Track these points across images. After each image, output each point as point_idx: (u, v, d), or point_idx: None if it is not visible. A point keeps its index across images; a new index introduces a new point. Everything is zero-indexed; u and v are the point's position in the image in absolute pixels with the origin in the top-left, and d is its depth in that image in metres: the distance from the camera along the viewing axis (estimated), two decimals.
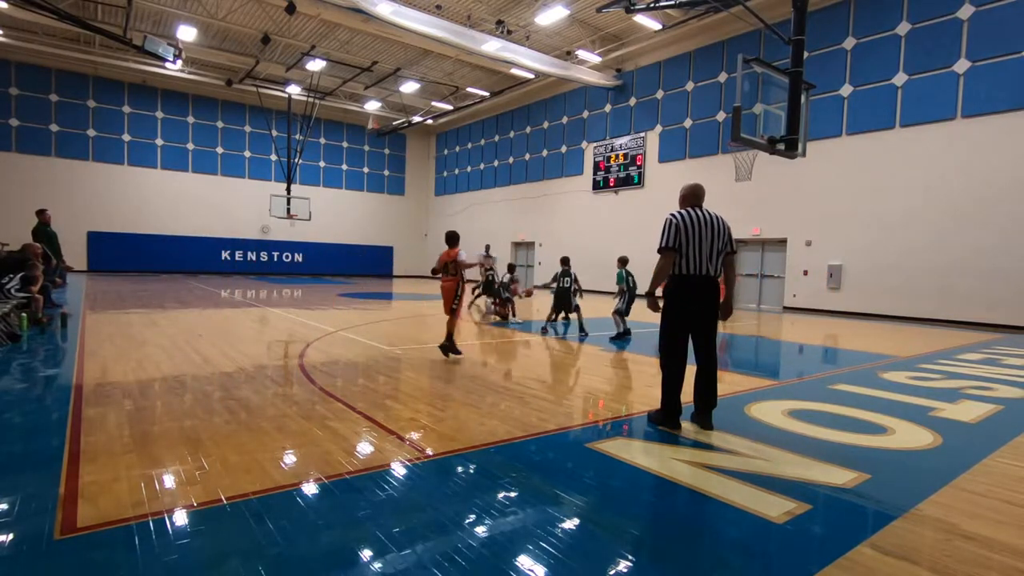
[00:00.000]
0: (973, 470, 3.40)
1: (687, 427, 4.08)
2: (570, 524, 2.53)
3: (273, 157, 28.40)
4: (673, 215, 4.02)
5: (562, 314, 10.16)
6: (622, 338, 8.99)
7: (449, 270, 6.79)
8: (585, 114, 22.94)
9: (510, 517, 2.58)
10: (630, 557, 2.26)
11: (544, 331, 9.70)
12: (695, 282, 3.96)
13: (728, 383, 5.79)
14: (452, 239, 7.04)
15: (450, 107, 26.94)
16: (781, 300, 16.75)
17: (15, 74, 22.70)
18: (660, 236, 4.03)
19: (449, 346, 6.75)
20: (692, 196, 4.16)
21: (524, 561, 2.19)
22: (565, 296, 9.71)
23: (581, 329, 9.46)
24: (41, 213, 11.24)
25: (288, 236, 29.32)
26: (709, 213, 4.03)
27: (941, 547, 2.41)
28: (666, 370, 4.07)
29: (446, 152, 32.49)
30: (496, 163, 28.22)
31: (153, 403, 4.37)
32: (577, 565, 2.17)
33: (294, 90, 24.85)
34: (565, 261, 10.06)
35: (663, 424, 4.08)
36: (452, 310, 6.76)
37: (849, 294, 15.07)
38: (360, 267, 31.81)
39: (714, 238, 3.96)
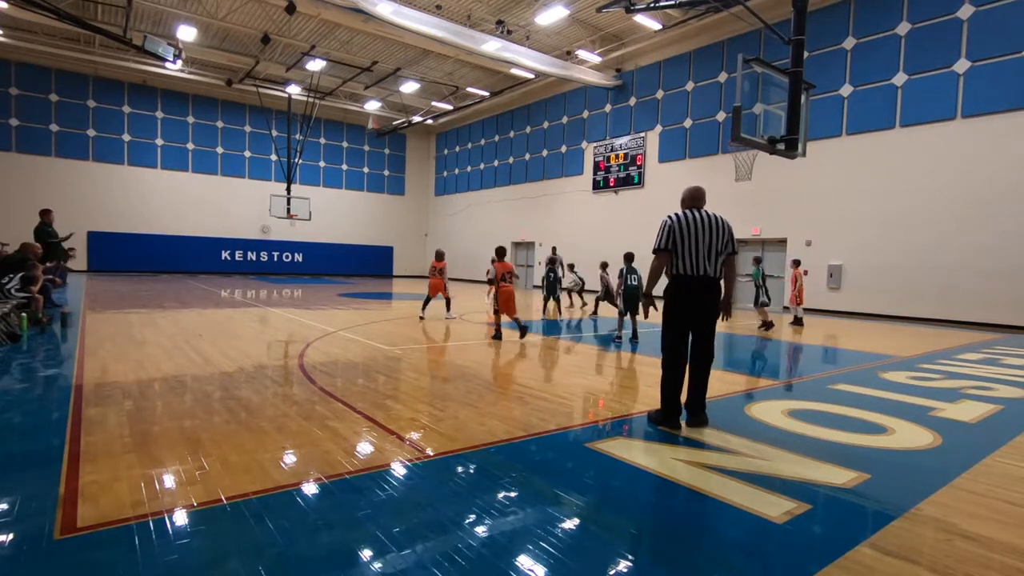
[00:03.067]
0: (973, 470, 3.40)
1: (687, 427, 4.08)
2: (570, 524, 2.53)
3: (273, 157, 28.41)
4: (669, 216, 4.06)
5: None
6: (633, 339, 8.66)
7: (507, 279, 8.56)
8: (585, 114, 22.94)
9: (510, 517, 2.58)
10: (630, 557, 2.26)
11: (617, 340, 8.74)
12: (692, 282, 4.00)
13: (728, 383, 5.79)
14: (504, 252, 8.94)
15: (450, 107, 26.93)
16: (781, 300, 16.73)
17: (15, 74, 22.70)
18: (655, 238, 4.09)
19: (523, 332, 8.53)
20: (691, 199, 4.20)
21: (524, 561, 2.18)
22: (635, 296, 8.72)
23: (634, 336, 8.68)
24: (46, 213, 11.24)
25: (288, 236, 29.32)
26: (709, 214, 4.06)
27: (941, 547, 2.41)
28: (666, 370, 4.11)
29: (446, 152, 32.49)
30: (496, 163, 28.22)
31: (153, 403, 4.37)
32: (577, 565, 2.17)
33: (294, 90, 24.85)
34: (630, 258, 9.07)
35: (663, 424, 4.09)
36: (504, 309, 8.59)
37: (849, 294, 15.07)
38: (360, 267, 31.81)
39: (712, 239, 3.99)
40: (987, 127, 12.70)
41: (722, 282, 4.12)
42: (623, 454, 3.50)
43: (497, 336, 8.58)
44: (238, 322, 9.76)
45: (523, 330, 8.54)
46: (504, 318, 8.86)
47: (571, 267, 14.66)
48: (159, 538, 2.27)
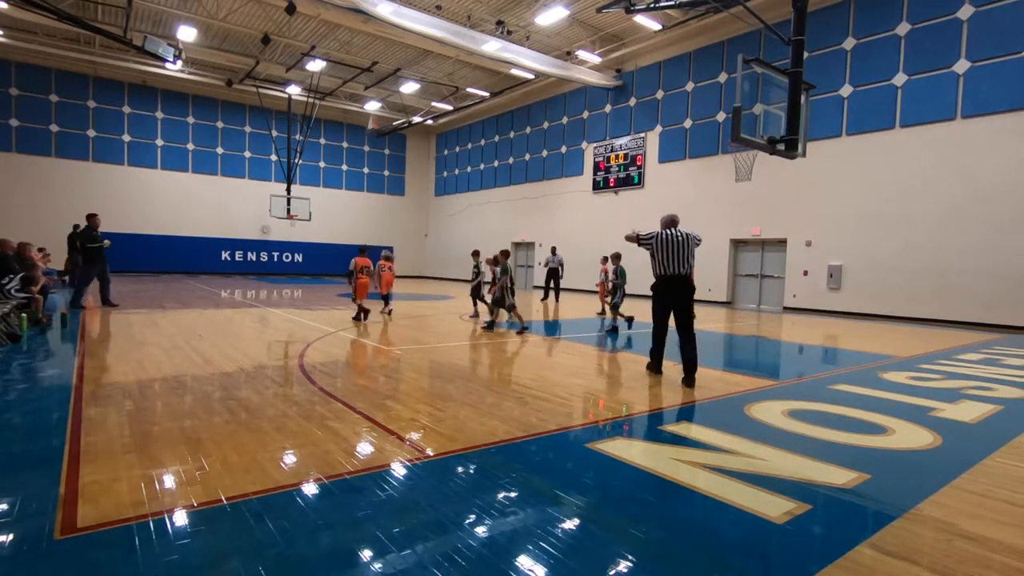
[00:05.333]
0: (973, 470, 3.40)
1: (687, 427, 4.11)
2: (570, 524, 2.53)
3: (273, 157, 28.40)
4: (657, 233, 5.91)
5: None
6: (492, 328, 9.73)
7: (364, 272, 10.45)
8: (585, 114, 22.94)
9: (510, 517, 2.59)
10: (630, 557, 2.26)
11: (523, 330, 9.47)
12: (670, 279, 5.78)
13: (728, 383, 5.80)
14: (365, 250, 10.82)
15: (450, 107, 26.93)
16: (781, 300, 16.75)
17: (15, 74, 22.69)
18: (648, 233, 6.01)
19: (366, 314, 10.46)
20: (670, 222, 6.01)
21: (524, 561, 2.19)
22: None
23: (491, 328, 9.83)
24: (92, 217, 11.57)
25: (288, 236, 29.31)
26: (680, 232, 5.82)
27: (941, 547, 2.41)
28: (653, 337, 6.09)
29: (446, 152, 32.49)
30: (496, 163, 28.21)
31: (153, 403, 4.37)
32: (577, 565, 2.17)
33: (294, 90, 24.84)
34: (507, 254, 10.17)
35: (650, 368, 6.16)
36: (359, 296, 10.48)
37: (849, 294, 15.07)
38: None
39: (681, 249, 5.76)
40: (987, 127, 12.70)
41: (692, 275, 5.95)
42: (623, 454, 3.50)
43: (357, 318, 10.42)
44: (238, 322, 9.76)
45: (365, 313, 10.47)
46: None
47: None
48: (159, 538, 2.27)
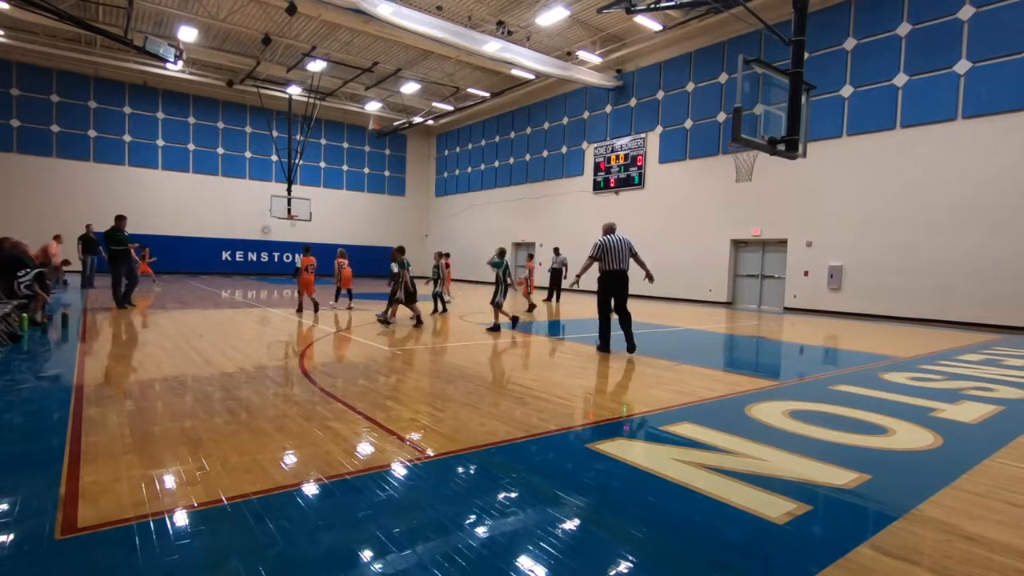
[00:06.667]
0: (974, 471, 3.39)
1: (687, 427, 4.10)
2: (570, 524, 2.53)
3: (274, 158, 28.41)
4: (600, 239, 7.38)
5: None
6: (386, 323, 10.00)
7: (309, 269, 11.35)
8: (586, 115, 22.94)
9: (510, 518, 2.58)
10: (630, 557, 2.26)
11: (388, 322, 9.94)
12: (614, 274, 7.32)
13: (728, 383, 5.80)
14: (309, 249, 11.85)
15: (451, 108, 26.94)
16: (782, 301, 16.74)
17: (16, 74, 22.72)
18: (592, 248, 7.41)
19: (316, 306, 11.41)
20: (610, 229, 7.50)
21: (524, 561, 2.18)
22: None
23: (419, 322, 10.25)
24: (120, 219, 12.07)
25: (289, 237, 29.31)
26: (619, 237, 7.37)
27: (941, 548, 2.40)
28: (600, 320, 7.52)
29: (447, 153, 32.50)
30: (497, 164, 28.22)
31: (154, 403, 4.37)
32: (577, 565, 2.17)
33: (295, 91, 24.86)
34: (402, 250, 10.43)
35: (601, 349, 7.52)
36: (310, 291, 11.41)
37: (850, 295, 15.06)
38: (360, 268, 31.69)
39: (621, 251, 7.31)
40: (988, 128, 12.69)
41: (629, 272, 7.50)
42: (623, 455, 3.50)
43: (300, 310, 11.40)
44: (239, 322, 9.76)
45: (316, 305, 11.33)
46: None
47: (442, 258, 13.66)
48: (160, 538, 2.27)
